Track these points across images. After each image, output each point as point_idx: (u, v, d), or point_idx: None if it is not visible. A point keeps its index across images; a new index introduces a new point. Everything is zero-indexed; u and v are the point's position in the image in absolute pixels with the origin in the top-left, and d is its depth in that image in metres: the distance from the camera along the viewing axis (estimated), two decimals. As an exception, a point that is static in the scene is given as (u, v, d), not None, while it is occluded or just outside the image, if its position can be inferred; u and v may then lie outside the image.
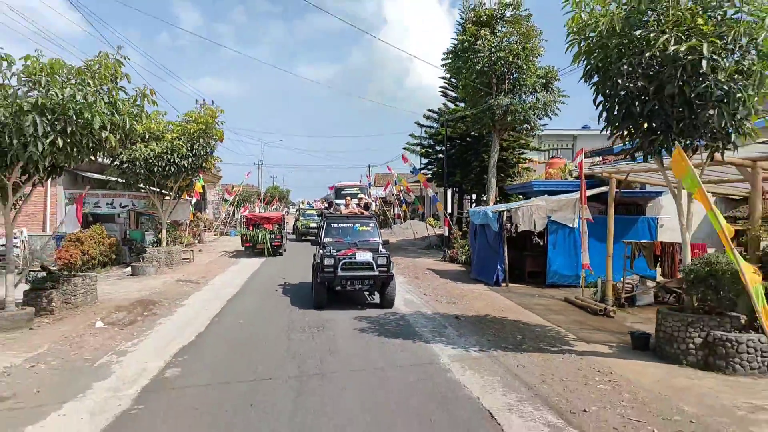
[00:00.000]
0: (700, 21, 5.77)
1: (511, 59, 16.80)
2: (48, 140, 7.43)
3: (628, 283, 11.02)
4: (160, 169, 15.53)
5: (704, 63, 5.47)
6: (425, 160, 27.03)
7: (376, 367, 6.53)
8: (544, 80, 18.09)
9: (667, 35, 5.71)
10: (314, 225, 26.11)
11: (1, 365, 6.46)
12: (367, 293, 11.05)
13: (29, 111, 7.20)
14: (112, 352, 7.18)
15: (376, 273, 9.92)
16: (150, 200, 17.34)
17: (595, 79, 6.59)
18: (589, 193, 12.41)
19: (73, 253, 10.03)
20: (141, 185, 16.59)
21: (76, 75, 7.53)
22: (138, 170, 15.54)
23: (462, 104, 23.54)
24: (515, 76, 17.89)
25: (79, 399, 5.45)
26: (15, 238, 16.20)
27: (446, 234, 21.70)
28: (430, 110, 26.56)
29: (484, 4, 18.83)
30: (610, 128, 6.72)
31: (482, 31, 17.63)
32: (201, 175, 20.37)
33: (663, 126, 6.16)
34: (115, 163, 15.81)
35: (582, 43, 6.55)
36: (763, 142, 6.99)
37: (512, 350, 7.22)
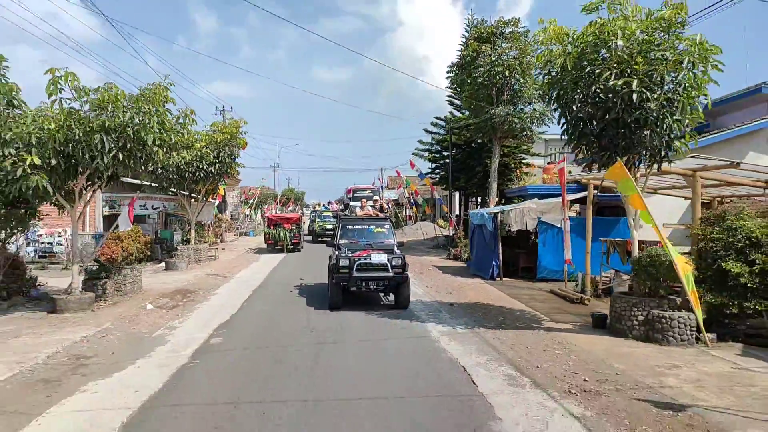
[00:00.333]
0: (639, 59, 7.23)
1: (507, 74, 18.25)
2: (111, 154, 9.10)
3: (606, 277, 12.41)
4: (190, 174, 17.27)
5: (635, 96, 6.92)
6: (433, 165, 28.59)
7: (379, 338, 8.08)
8: (540, 92, 19.42)
9: (609, 72, 7.17)
10: (330, 227, 26.43)
11: (79, 335, 8.12)
12: (382, 294, 11.21)
13: (98, 131, 8.89)
14: (164, 327, 8.84)
15: (391, 274, 10.03)
16: (179, 202, 19.16)
17: (555, 105, 8.09)
18: (574, 196, 13.86)
19: (115, 249, 11.64)
20: (172, 189, 18.37)
21: (135, 102, 9.19)
22: (170, 176, 17.30)
23: (466, 113, 24.99)
24: (515, 88, 19.32)
25: (146, 357, 7.08)
26: (59, 236, 18.28)
27: (451, 234, 23.19)
28: (437, 118, 28.09)
29: (486, 21, 20.27)
30: (570, 144, 8.20)
31: (483, 47, 19.07)
32: (225, 180, 22.09)
33: (610, 144, 7.63)
34: (150, 169, 17.56)
35: (546, 77, 8.05)
36: (693, 156, 8.40)
37: (492, 328, 8.71)
